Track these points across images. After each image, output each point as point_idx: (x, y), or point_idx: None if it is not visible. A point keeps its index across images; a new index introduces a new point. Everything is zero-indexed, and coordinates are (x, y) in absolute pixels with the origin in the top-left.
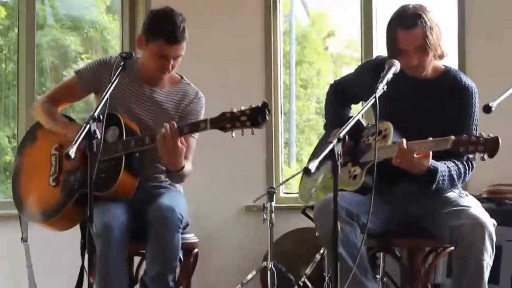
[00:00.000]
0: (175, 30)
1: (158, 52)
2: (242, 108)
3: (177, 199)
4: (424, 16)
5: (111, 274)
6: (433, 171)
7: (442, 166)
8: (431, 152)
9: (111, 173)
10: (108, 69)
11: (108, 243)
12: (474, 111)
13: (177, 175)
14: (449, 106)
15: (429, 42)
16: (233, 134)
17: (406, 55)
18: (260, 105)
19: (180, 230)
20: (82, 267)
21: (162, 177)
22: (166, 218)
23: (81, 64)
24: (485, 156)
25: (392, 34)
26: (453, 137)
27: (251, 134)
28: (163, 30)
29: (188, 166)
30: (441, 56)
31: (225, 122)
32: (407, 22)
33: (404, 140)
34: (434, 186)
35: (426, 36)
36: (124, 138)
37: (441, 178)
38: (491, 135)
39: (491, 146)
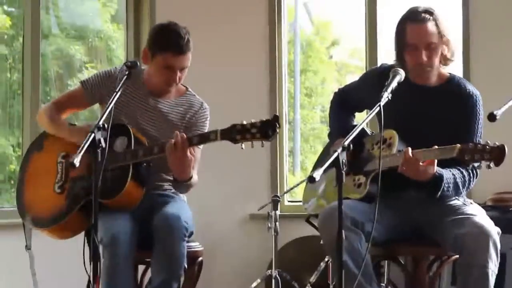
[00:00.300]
0: (180, 41)
1: (164, 64)
2: (253, 120)
3: (182, 207)
4: (436, 14)
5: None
6: (439, 178)
7: (447, 173)
8: (436, 160)
9: (118, 181)
10: (113, 81)
11: (115, 256)
12: (478, 119)
13: (184, 185)
14: (453, 114)
15: (441, 37)
16: (243, 146)
17: (416, 51)
18: (271, 119)
19: (186, 239)
20: (89, 276)
21: (166, 185)
22: (171, 226)
23: (85, 73)
24: (491, 165)
25: (403, 30)
26: (459, 145)
27: (261, 146)
28: (169, 42)
29: (194, 176)
30: (448, 60)
31: (235, 133)
32: (419, 17)
33: (410, 149)
34: (439, 193)
35: (438, 32)
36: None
37: (446, 186)
38: (497, 143)
39: (497, 154)
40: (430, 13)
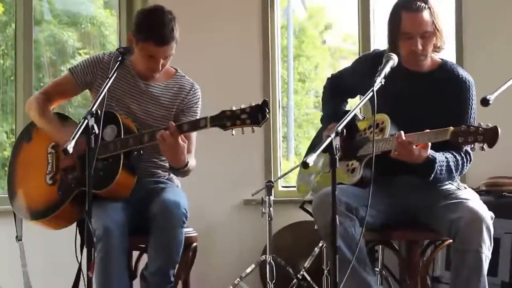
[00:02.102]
0: (163, 32)
1: (147, 53)
2: (242, 106)
3: (179, 194)
4: (430, 2)
5: (111, 281)
6: (432, 161)
7: (440, 156)
8: (429, 143)
9: (109, 171)
10: (101, 66)
11: (109, 248)
12: (471, 104)
13: (181, 171)
14: (446, 99)
15: (435, 25)
16: (233, 132)
17: (411, 39)
18: (260, 104)
19: (184, 226)
20: (80, 265)
21: (160, 171)
22: (171, 213)
23: (79, 59)
24: (485, 146)
25: (398, 18)
26: (452, 128)
27: (252, 132)
28: (151, 32)
29: (192, 161)
30: (439, 48)
31: (225, 120)
32: (414, 6)
33: (402, 133)
34: (432, 176)
35: (433, 21)
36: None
37: (439, 168)
38: (489, 124)
39: (490, 136)
40: (425, 1)
